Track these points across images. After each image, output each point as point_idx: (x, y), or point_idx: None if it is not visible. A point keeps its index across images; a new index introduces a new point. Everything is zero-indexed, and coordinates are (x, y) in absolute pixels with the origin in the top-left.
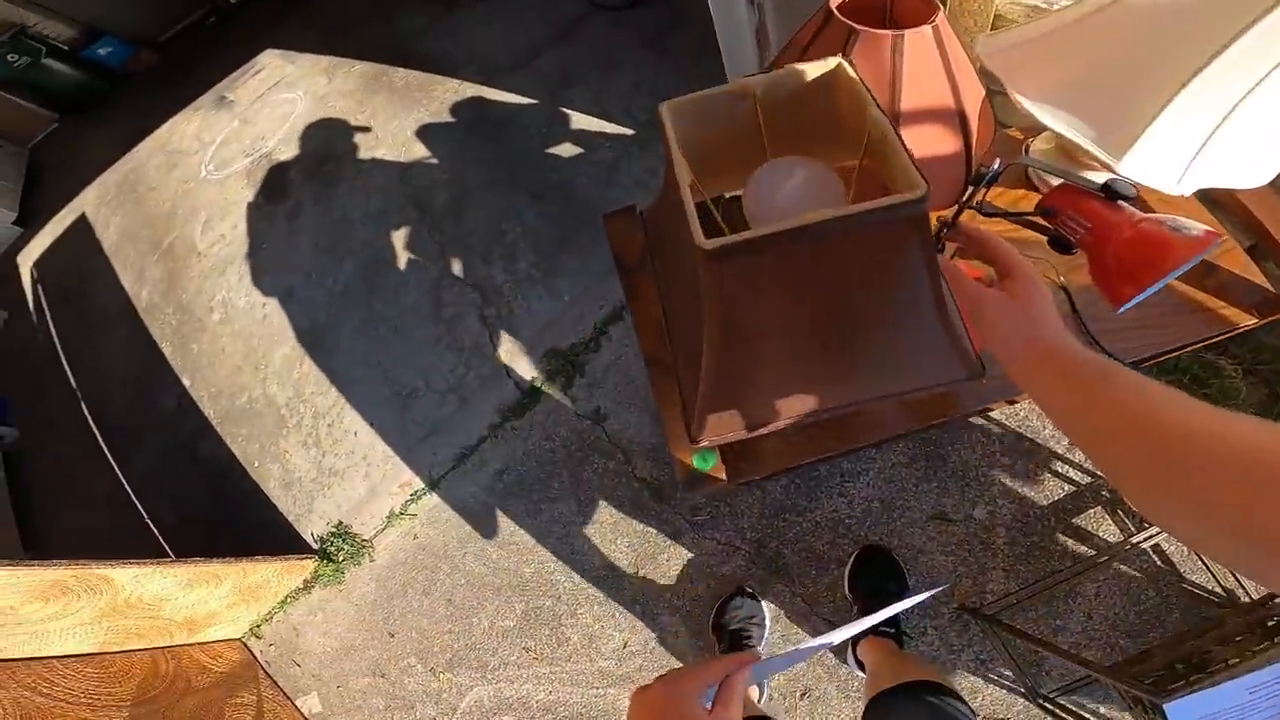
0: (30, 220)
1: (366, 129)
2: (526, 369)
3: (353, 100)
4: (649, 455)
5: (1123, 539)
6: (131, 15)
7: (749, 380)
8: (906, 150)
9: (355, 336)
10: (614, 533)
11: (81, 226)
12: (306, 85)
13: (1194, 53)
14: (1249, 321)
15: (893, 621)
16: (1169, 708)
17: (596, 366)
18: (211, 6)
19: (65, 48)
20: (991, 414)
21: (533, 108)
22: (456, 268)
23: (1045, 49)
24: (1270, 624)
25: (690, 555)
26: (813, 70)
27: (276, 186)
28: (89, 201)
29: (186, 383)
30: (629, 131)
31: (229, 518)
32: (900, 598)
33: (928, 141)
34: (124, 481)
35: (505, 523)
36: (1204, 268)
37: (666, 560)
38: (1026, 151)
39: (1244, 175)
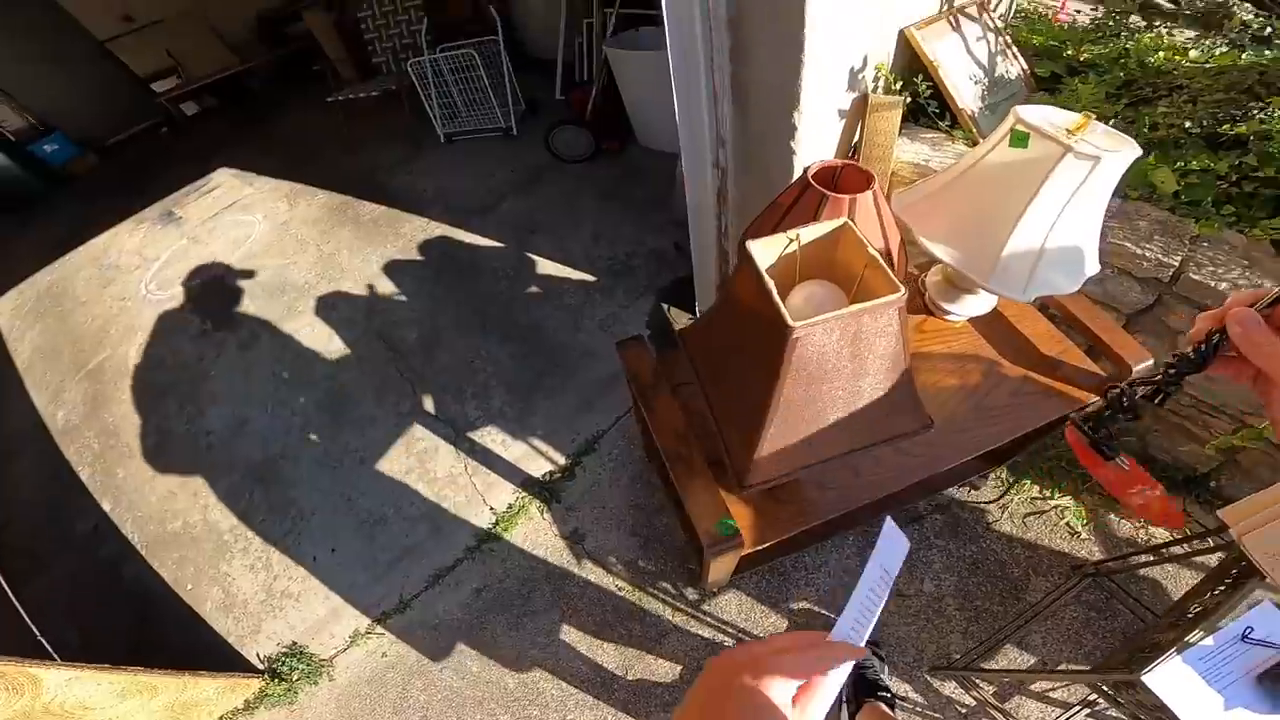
0: None
1: (331, 261)
2: (503, 497)
3: (316, 230)
4: (630, 566)
5: (1049, 594)
6: (86, 112)
7: (794, 430)
8: (892, 271)
9: (318, 468)
10: (600, 638)
11: None
12: (266, 210)
13: (1021, 199)
14: (1095, 400)
15: (885, 687)
16: (1147, 678)
17: (573, 494)
18: (166, 116)
19: (12, 138)
20: (921, 506)
21: (500, 251)
22: (428, 404)
23: (935, 201)
24: (1194, 611)
25: (679, 652)
26: (828, 227)
27: (228, 313)
28: (3, 311)
29: (107, 507)
30: (591, 278)
31: (152, 641)
32: (881, 660)
33: None
34: (18, 605)
35: (485, 636)
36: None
37: (655, 659)
38: (923, 285)
39: (1063, 283)
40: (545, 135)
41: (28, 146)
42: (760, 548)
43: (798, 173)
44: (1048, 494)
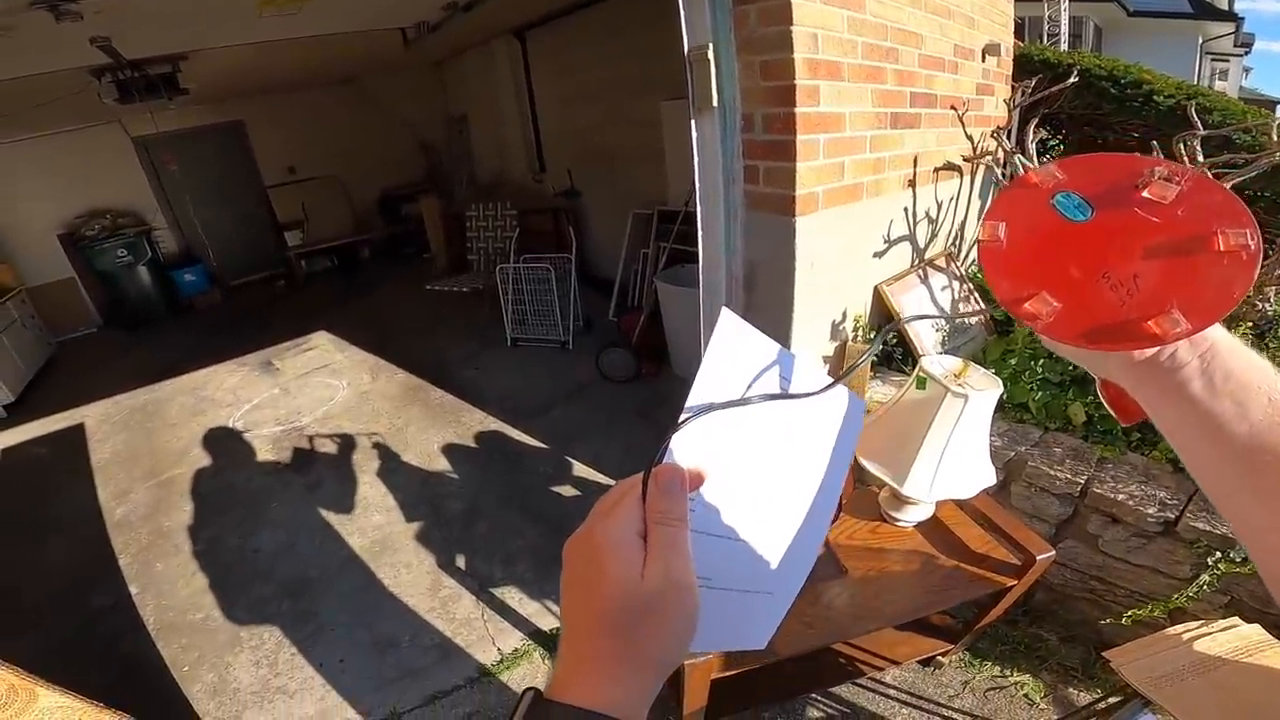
0: (22, 411)
1: (399, 434)
2: (511, 642)
3: (391, 405)
4: None
5: None
6: (228, 250)
7: None
8: None
9: (348, 594)
10: None
11: (73, 435)
12: (351, 378)
13: (922, 429)
14: (1011, 582)
15: None
16: None
17: None
18: (287, 271)
19: (163, 260)
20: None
21: (543, 451)
22: (460, 562)
23: (872, 430)
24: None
25: None
26: None
27: (302, 458)
28: (93, 414)
29: (134, 590)
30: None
31: (120, 706)
32: None
33: None
34: None
35: None
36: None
37: None
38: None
39: (961, 489)
40: (596, 355)
41: (170, 271)
42: (728, 673)
43: None
44: (1008, 673)
